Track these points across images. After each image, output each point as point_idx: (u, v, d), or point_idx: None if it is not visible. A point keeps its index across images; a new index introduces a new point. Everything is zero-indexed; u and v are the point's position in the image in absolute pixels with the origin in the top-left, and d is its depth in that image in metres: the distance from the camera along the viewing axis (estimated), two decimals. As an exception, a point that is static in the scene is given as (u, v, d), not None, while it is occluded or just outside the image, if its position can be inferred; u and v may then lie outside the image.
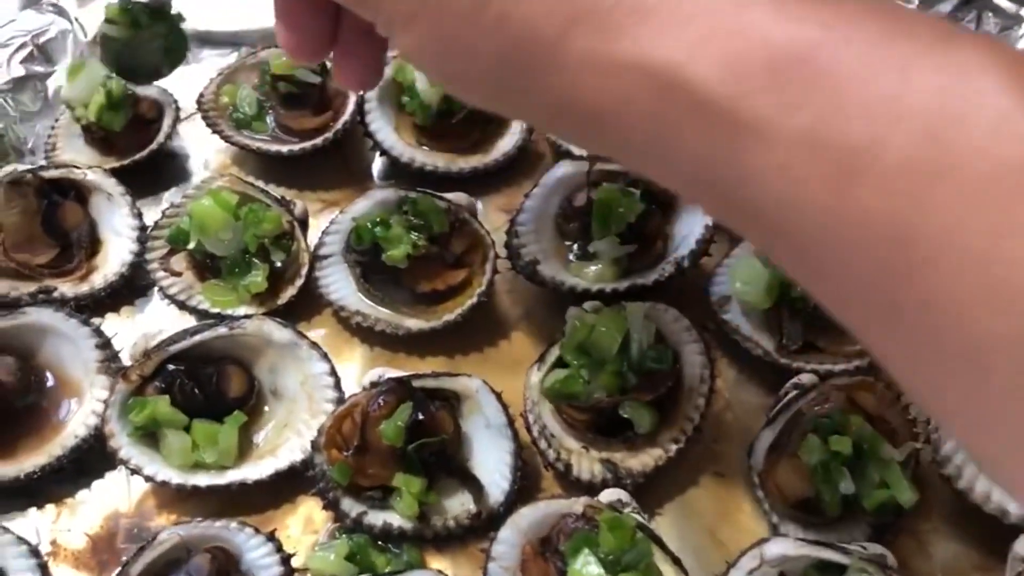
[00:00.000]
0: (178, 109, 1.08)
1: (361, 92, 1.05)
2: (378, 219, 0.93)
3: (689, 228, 0.95)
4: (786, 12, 0.36)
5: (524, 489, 0.84)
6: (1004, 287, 0.30)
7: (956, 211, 0.31)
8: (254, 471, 0.85)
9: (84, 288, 0.97)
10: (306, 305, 0.97)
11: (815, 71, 0.34)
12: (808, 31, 0.35)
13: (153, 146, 1.06)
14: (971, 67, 0.33)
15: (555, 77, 0.41)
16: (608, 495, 0.79)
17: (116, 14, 1.00)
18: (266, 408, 0.90)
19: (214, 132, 1.07)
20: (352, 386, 0.90)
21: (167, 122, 1.08)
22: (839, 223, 0.34)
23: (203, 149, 1.11)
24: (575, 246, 0.98)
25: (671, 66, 0.37)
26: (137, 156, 1.06)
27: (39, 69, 1.14)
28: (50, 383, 0.90)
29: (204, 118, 1.08)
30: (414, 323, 0.94)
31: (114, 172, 1.02)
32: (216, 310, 0.95)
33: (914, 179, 0.32)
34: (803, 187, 0.34)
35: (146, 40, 1.01)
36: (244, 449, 0.87)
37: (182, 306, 0.97)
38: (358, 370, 0.94)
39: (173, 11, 1.01)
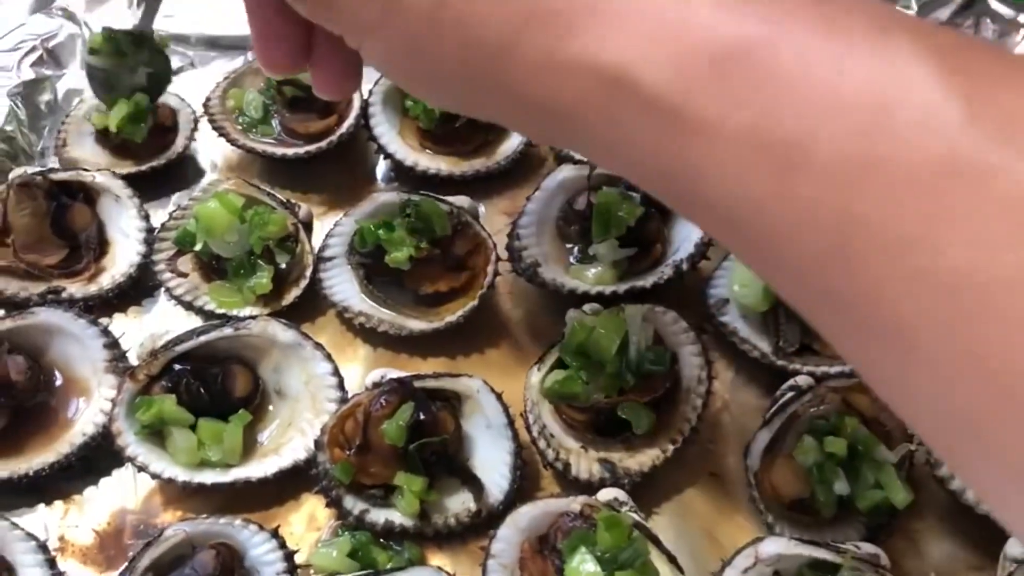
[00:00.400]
0: (196, 118, 1.10)
1: (340, 100, 1.06)
2: (381, 222, 0.95)
3: (688, 232, 0.96)
4: (728, 8, 0.36)
5: (523, 488, 0.85)
6: (929, 270, 0.32)
7: (886, 201, 0.32)
8: (258, 469, 0.86)
9: (92, 289, 0.98)
10: (310, 306, 0.99)
11: (756, 67, 0.35)
12: (749, 27, 0.36)
13: (172, 155, 1.08)
14: (902, 57, 0.34)
15: (513, 75, 0.41)
16: (606, 494, 0.80)
17: (99, 44, 1.03)
18: (270, 407, 0.91)
19: (220, 135, 1.09)
20: (355, 386, 0.91)
21: (185, 131, 1.09)
22: (780, 215, 0.35)
23: (209, 152, 1.13)
24: (575, 249, 0.99)
25: (620, 66, 0.38)
26: (154, 163, 1.07)
27: (49, 72, 1.16)
28: (59, 382, 0.91)
29: (211, 122, 1.09)
30: (416, 324, 0.95)
31: (126, 176, 1.04)
32: (222, 311, 0.97)
33: (847, 171, 0.33)
34: (746, 181, 0.35)
35: (129, 68, 1.04)
36: (249, 447, 0.88)
37: (188, 307, 0.99)
38: (361, 370, 0.95)
39: (156, 37, 1.03)
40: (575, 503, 0.79)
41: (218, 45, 1.22)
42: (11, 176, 0.98)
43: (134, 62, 1.04)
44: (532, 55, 0.40)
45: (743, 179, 0.36)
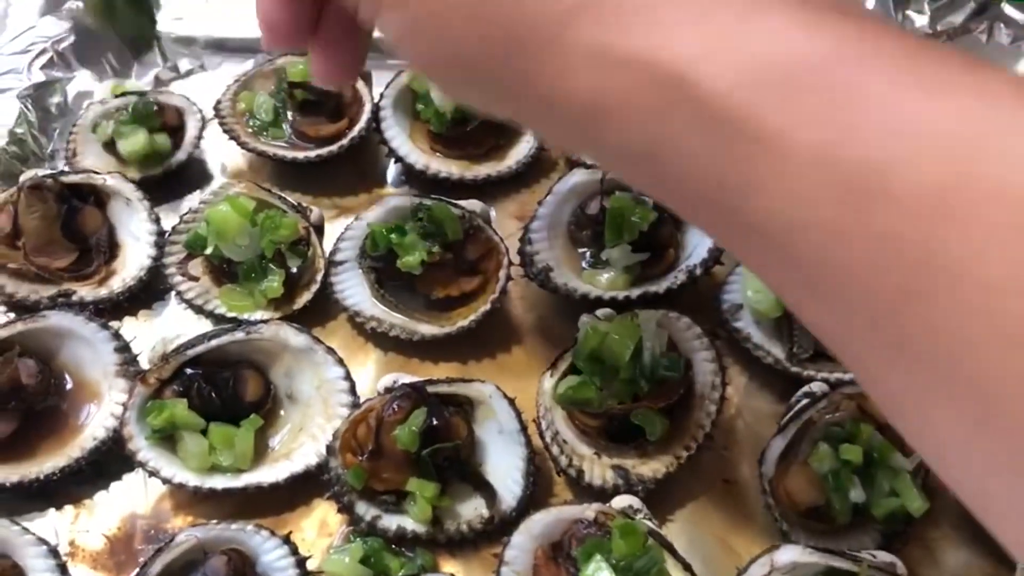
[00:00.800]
0: (203, 119, 1.10)
1: (335, 88, 1.05)
2: (393, 226, 0.94)
3: (701, 237, 0.95)
4: (806, 20, 0.34)
5: (536, 495, 0.85)
6: (1019, 323, 0.29)
7: (976, 242, 0.29)
8: (270, 474, 0.86)
9: (103, 292, 0.98)
10: (321, 310, 0.98)
11: (834, 84, 0.33)
12: (830, 43, 0.34)
13: (181, 155, 1.07)
14: (1000, 96, 0.31)
15: (551, 66, 0.38)
16: (620, 501, 0.80)
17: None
18: (282, 412, 0.91)
19: (231, 139, 1.09)
20: (367, 391, 0.91)
21: (191, 133, 1.09)
22: (849, 246, 0.32)
23: (220, 155, 1.12)
24: (588, 253, 0.99)
25: (680, 65, 0.35)
26: (160, 168, 1.07)
27: (59, 75, 1.15)
28: (69, 386, 0.91)
29: (221, 124, 1.09)
30: (428, 329, 0.95)
31: (135, 180, 1.03)
32: (233, 314, 0.96)
33: (934, 205, 0.30)
34: (813, 205, 0.33)
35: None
36: (260, 452, 0.88)
37: (199, 310, 0.99)
38: (372, 375, 0.95)
39: None
40: (589, 510, 0.78)
41: (226, 48, 1.22)
42: (22, 179, 0.98)
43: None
44: (580, 44, 0.37)
45: (807, 201, 0.33)
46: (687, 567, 0.77)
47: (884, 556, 0.78)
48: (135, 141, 1.05)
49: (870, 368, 0.34)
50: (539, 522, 0.79)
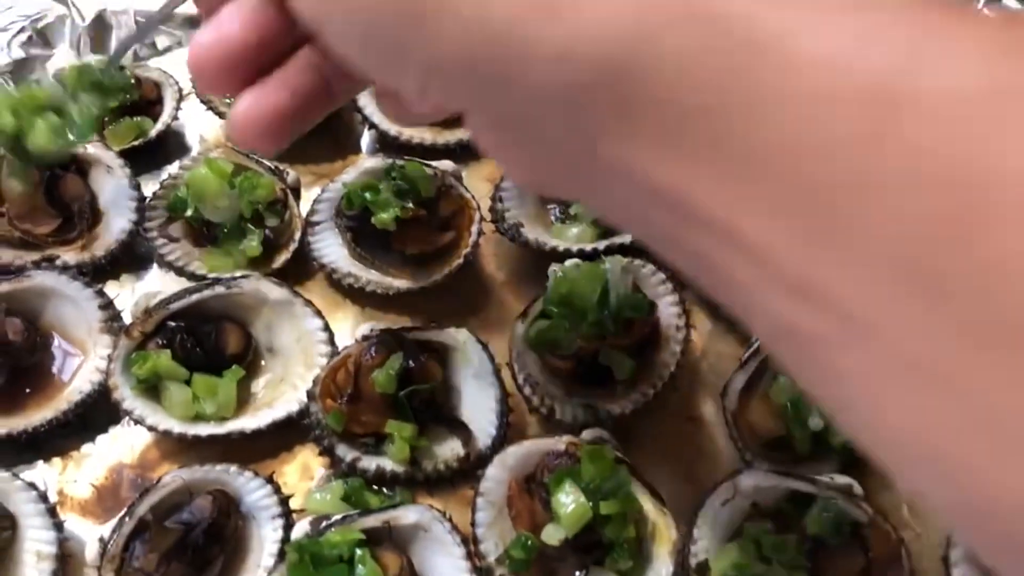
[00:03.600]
0: (180, 91, 1.13)
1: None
2: (367, 184, 0.98)
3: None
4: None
5: (510, 434, 0.88)
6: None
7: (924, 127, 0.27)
8: (252, 421, 0.88)
9: (85, 256, 1.00)
10: (300, 270, 1.01)
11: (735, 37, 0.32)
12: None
13: (159, 126, 1.10)
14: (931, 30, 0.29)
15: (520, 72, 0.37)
16: (589, 434, 0.83)
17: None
18: (263, 363, 0.94)
19: (208, 109, 1.12)
20: (345, 344, 0.94)
21: (170, 105, 1.12)
22: (880, 161, 0.28)
23: (198, 127, 1.15)
24: (557, 210, 1.02)
25: (616, 56, 0.34)
26: (140, 140, 1.10)
27: (38, 52, 1.18)
28: (55, 343, 0.94)
29: (198, 96, 1.12)
30: (403, 283, 0.98)
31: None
32: (213, 275, 0.99)
33: (969, 108, 0.27)
34: (832, 116, 0.29)
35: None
36: (243, 402, 0.90)
37: (180, 272, 1.01)
38: (350, 329, 0.97)
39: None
40: (560, 442, 0.82)
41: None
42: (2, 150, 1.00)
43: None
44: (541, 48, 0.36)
45: (831, 114, 0.30)
46: (655, 492, 0.80)
47: (841, 479, 0.81)
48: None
49: (891, 317, 0.29)
50: (512, 455, 0.82)
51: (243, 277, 0.94)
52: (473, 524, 0.81)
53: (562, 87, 0.36)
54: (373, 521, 0.79)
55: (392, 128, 1.10)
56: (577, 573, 0.79)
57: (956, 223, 0.26)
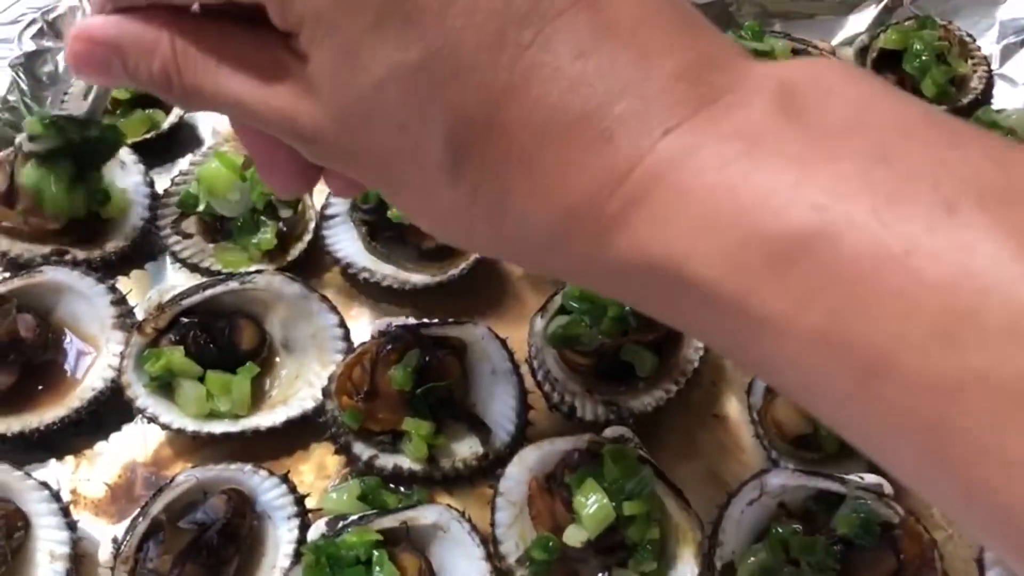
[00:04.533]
0: None
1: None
2: (383, 177, 0.96)
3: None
4: (779, 192, 0.34)
5: (530, 432, 0.86)
6: None
7: (986, 416, 0.30)
8: (267, 419, 0.87)
9: (96, 252, 0.99)
10: (314, 264, 1.00)
11: (819, 261, 0.33)
12: (801, 213, 0.33)
13: (172, 119, 1.09)
14: (977, 244, 0.31)
15: (560, 265, 0.43)
16: (612, 431, 0.81)
17: (39, 129, 0.90)
18: (277, 360, 0.92)
19: (221, 101, 1.10)
20: (361, 340, 0.92)
21: None
22: (867, 419, 0.33)
23: (211, 119, 1.14)
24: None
25: (672, 261, 0.36)
26: (153, 132, 1.08)
27: (49, 44, 1.16)
28: (67, 340, 0.92)
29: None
30: (420, 278, 0.96)
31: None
32: (228, 270, 0.98)
33: (938, 382, 0.31)
34: (825, 383, 0.34)
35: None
36: (257, 399, 0.89)
37: (194, 268, 1.00)
38: (366, 325, 0.96)
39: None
40: (581, 440, 0.80)
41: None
42: (18, 139, 0.99)
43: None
44: (578, 254, 0.40)
45: (821, 380, 0.34)
46: (678, 492, 0.78)
47: (871, 478, 0.79)
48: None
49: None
50: (533, 453, 0.81)
51: (257, 272, 0.92)
52: (493, 524, 0.79)
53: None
54: (391, 521, 0.78)
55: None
56: (600, 575, 0.77)
57: None
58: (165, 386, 0.87)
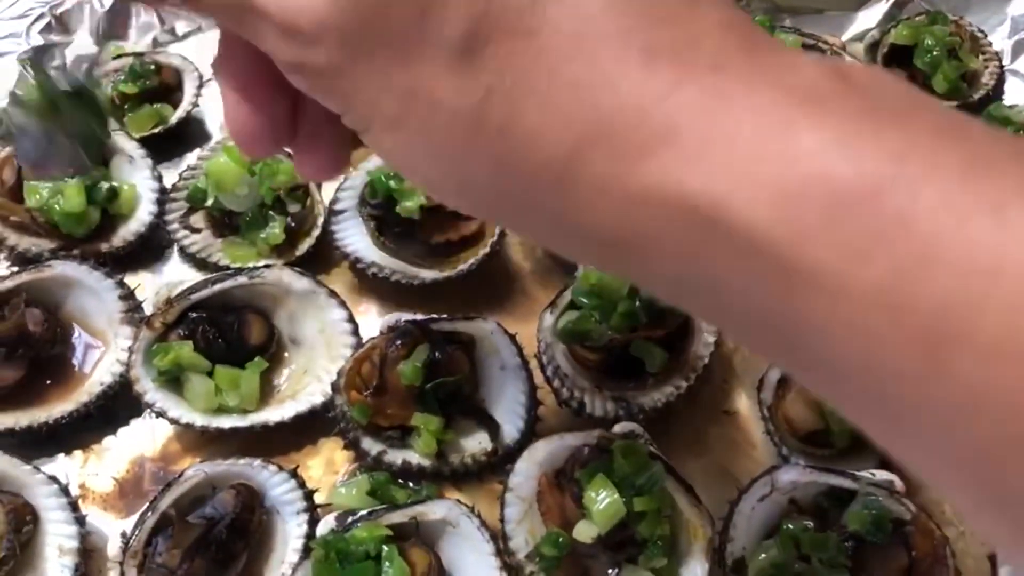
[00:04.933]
0: (200, 77, 1.11)
1: (327, 181, 0.97)
2: (391, 172, 0.95)
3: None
4: (848, 140, 0.30)
5: (539, 427, 0.86)
6: None
7: None
8: (276, 414, 0.87)
9: (103, 246, 0.99)
10: (323, 259, 0.99)
11: (888, 213, 0.29)
12: (876, 164, 0.30)
13: (180, 113, 1.08)
14: None
15: (564, 202, 0.36)
16: (622, 427, 0.81)
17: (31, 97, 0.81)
18: (286, 355, 0.92)
19: (229, 96, 1.09)
20: (369, 335, 0.92)
21: (190, 91, 1.10)
22: (932, 396, 0.29)
23: (218, 114, 1.13)
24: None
25: (709, 198, 0.32)
26: (161, 127, 1.08)
27: (57, 39, 1.16)
28: (75, 334, 0.92)
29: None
30: (428, 273, 0.96)
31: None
32: (236, 265, 0.97)
33: (1022, 349, 0.27)
34: (884, 351, 0.29)
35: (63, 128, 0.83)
36: (266, 394, 0.89)
37: (202, 263, 1.00)
38: (375, 320, 0.95)
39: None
40: (591, 436, 0.80)
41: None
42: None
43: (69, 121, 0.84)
44: (594, 179, 0.34)
45: (876, 346, 0.30)
46: (688, 488, 0.78)
47: (883, 474, 0.79)
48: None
49: (965, 509, 0.32)
50: (542, 449, 0.80)
51: (266, 267, 0.92)
52: (502, 520, 0.79)
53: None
54: (400, 516, 0.77)
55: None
56: (610, 571, 0.77)
57: None
58: (174, 381, 0.87)
